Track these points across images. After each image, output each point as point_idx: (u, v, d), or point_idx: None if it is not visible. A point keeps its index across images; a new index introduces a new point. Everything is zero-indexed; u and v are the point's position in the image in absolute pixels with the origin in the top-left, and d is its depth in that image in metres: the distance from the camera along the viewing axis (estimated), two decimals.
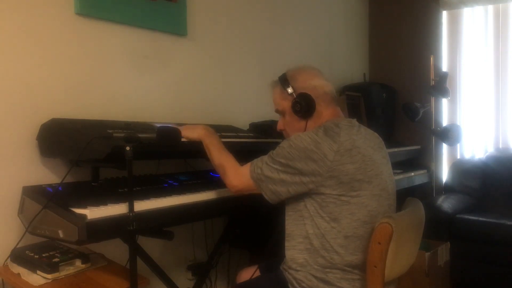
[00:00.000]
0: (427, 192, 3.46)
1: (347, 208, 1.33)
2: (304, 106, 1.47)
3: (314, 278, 1.36)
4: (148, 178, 1.87)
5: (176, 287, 1.93)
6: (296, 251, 1.41)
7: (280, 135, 1.64)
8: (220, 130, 1.91)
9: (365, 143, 1.41)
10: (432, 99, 3.52)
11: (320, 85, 1.50)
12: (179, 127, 1.64)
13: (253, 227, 2.27)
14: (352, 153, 1.34)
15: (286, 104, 1.52)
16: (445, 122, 3.69)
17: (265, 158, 1.42)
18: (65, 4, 1.83)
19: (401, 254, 1.35)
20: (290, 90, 1.50)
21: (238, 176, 1.47)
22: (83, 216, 1.28)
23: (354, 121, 1.48)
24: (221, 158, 1.54)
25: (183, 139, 1.58)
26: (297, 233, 1.40)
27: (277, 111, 1.60)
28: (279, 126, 1.60)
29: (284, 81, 1.53)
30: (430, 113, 3.51)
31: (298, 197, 1.39)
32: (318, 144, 1.33)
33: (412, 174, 3.23)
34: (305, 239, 1.38)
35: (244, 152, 1.60)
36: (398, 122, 3.84)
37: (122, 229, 1.32)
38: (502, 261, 2.77)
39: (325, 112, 1.49)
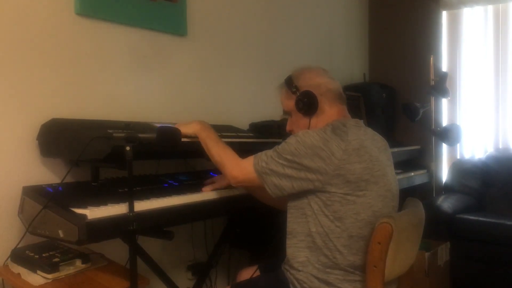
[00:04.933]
0: (427, 192, 3.47)
1: (353, 208, 1.33)
2: (306, 103, 1.47)
3: (316, 279, 1.36)
4: (148, 178, 1.87)
5: (176, 287, 1.93)
6: (297, 249, 1.40)
7: (281, 135, 1.65)
8: (220, 130, 1.91)
9: (372, 144, 1.41)
10: (432, 99, 3.52)
11: (324, 82, 1.51)
12: (181, 123, 1.64)
13: (253, 227, 2.27)
14: (360, 152, 1.33)
15: (291, 103, 1.53)
16: (445, 122, 3.69)
17: (269, 152, 1.41)
18: (65, 4, 1.83)
19: (401, 254, 1.35)
20: (294, 89, 1.51)
21: (239, 167, 1.47)
22: (83, 216, 1.28)
23: (360, 122, 1.49)
24: (219, 150, 1.54)
25: (183, 139, 1.58)
26: (299, 230, 1.40)
27: (284, 112, 1.61)
28: (288, 127, 1.60)
29: (288, 81, 1.55)
30: (430, 113, 3.51)
31: (301, 195, 1.38)
32: (326, 142, 1.32)
33: (412, 174, 3.24)
34: (307, 237, 1.38)
35: (244, 152, 1.60)
36: (398, 122, 3.84)
37: (122, 229, 1.32)
38: (502, 261, 2.77)
39: (330, 110, 1.50)
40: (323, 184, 1.32)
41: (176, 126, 1.62)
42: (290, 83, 1.54)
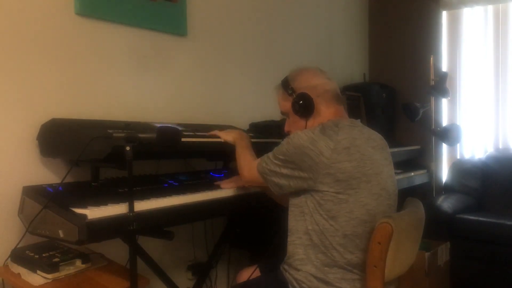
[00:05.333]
0: (427, 192, 3.47)
1: (345, 207, 1.34)
2: (302, 105, 1.49)
3: (314, 279, 1.36)
4: (148, 178, 1.87)
5: (176, 287, 1.93)
6: (296, 246, 1.42)
7: (280, 135, 1.65)
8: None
9: (366, 143, 1.41)
10: (432, 99, 3.52)
11: (321, 83, 1.52)
12: (223, 130, 1.82)
13: (253, 227, 2.27)
14: (350, 151, 1.34)
15: (288, 105, 1.54)
16: (445, 122, 3.69)
17: (270, 153, 1.47)
18: (65, 4, 1.83)
19: (401, 254, 1.35)
20: (290, 91, 1.53)
21: (248, 169, 1.58)
22: (84, 216, 1.28)
23: (357, 121, 1.50)
24: (241, 153, 1.66)
25: (224, 140, 1.76)
26: (298, 228, 1.42)
27: (282, 113, 1.63)
28: (286, 127, 1.63)
29: (285, 83, 1.57)
30: (430, 113, 3.52)
31: (300, 193, 1.41)
32: (314, 142, 1.34)
33: (412, 174, 3.24)
34: (305, 235, 1.39)
35: None
36: (398, 122, 3.85)
37: (122, 229, 1.32)
38: (502, 261, 2.77)
39: (326, 110, 1.50)
40: (314, 182, 1.34)
41: (216, 132, 1.83)
42: (286, 85, 1.55)
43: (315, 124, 1.48)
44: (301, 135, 1.38)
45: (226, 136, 1.79)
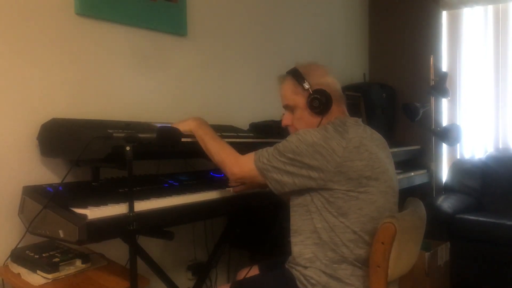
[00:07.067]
0: (427, 192, 3.47)
1: (356, 204, 1.33)
2: (323, 102, 1.45)
3: (324, 274, 1.35)
4: (148, 178, 1.87)
5: (176, 287, 1.93)
6: (304, 246, 1.40)
7: (281, 135, 1.64)
8: (220, 130, 1.91)
9: (371, 142, 1.41)
10: (432, 99, 3.52)
11: (333, 82, 1.51)
12: (177, 122, 1.64)
13: (253, 227, 2.27)
14: (360, 150, 1.34)
15: (299, 100, 1.50)
16: (445, 122, 3.69)
17: (270, 149, 1.41)
18: (65, 4, 1.83)
19: (404, 254, 1.35)
20: (306, 85, 1.48)
21: (239, 164, 1.47)
22: (84, 216, 1.28)
23: (360, 120, 1.49)
24: (217, 147, 1.55)
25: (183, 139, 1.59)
26: (305, 228, 1.40)
27: (286, 106, 1.56)
28: (286, 121, 1.56)
29: (297, 75, 1.51)
30: (430, 113, 3.51)
31: (304, 192, 1.38)
32: (327, 140, 1.33)
33: (412, 174, 3.23)
34: (313, 234, 1.38)
35: (244, 152, 1.60)
36: (398, 122, 3.84)
37: (122, 229, 1.32)
38: (502, 261, 2.77)
39: (337, 109, 1.49)
40: (325, 181, 1.33)
41: (173, 125, 1.61)
42: (300, 78, 1.50)
43: (323, 123, 1.45)
44: (313, 132, 1.35)
45: (181, 127, 1.58)
